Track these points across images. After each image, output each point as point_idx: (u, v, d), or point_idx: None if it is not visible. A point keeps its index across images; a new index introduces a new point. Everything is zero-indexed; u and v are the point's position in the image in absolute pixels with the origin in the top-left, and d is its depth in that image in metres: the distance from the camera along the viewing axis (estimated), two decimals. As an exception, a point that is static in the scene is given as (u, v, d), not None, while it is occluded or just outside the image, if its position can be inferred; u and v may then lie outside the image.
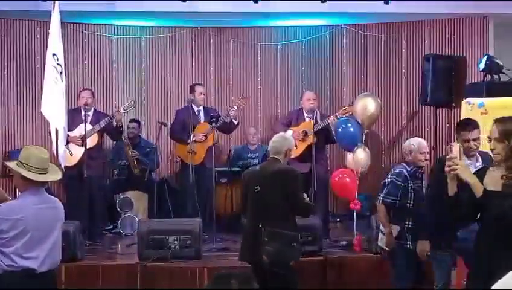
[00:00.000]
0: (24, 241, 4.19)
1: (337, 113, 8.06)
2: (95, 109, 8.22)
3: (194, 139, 8.16)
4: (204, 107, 8.51)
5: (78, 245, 6.52)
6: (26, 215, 4.20)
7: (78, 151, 7.71)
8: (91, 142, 7.72)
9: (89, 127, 7.77)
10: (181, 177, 8.67)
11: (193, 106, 8.42)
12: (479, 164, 4.92)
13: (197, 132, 8.23)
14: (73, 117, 7.80)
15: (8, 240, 4.18)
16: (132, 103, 8.25)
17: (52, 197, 4.55)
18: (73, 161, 7.71)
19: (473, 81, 8.48)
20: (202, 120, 8.35)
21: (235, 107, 8.28)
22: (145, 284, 6.29)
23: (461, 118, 6.96)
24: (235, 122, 8.40)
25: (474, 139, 5.08)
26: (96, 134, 7.84)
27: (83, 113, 7.93)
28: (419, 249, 5.19)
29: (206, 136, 8.15)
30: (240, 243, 5.48)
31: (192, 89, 8.53)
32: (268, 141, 9.67)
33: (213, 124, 7.98)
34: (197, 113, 8.42)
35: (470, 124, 5.16)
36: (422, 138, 9.05)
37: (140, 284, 6.28)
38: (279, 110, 9.98)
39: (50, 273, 4.32)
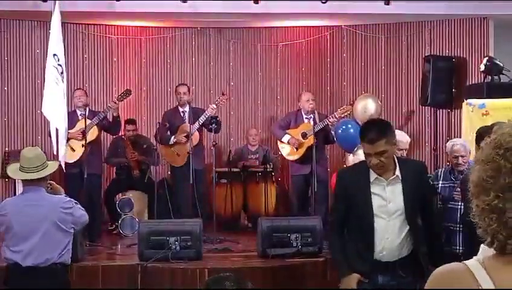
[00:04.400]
0: (10, 236, 4.61)
1: (335, 113, 8.06)
2: (89, 109, 8.26)
3: (175, 141, 8.19)
4: (191, 108, 8.41)
5: (78, 245, 6.50)
6: (10, 211, 4.63)
7: (79, 147, 7.74)
8: (91, 136, 7.74)
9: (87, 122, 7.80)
10: (174, 180, 8.68)
11: (179, 107, 8.44)
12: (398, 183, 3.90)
13: (179, 133, 8.23)
14: (71, 119, 7.82)
15: (2, 234, 4.71)
16: (126, 91, 8.24)
17: (53, 196, 4.75)
18: (75, 157, 7.73)
19: (473, 82, 8.49)
20: (187, 121, 8.30)
21: (214, 106, 8.19)
22: (146, 284, 6.28)
23: (462, 120, 6.95)
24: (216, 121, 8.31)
25: (380, 153, 3.77)
26: (95, 128, 7.86)
27: (78, 113, 8.00)
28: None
29: (187, 136, 8.11)
30: None
31: (175, 91, 8.57)
32: (268, 142, 9.85)
33: (214, 125, 7.90)
34: (182, 114, 8.39)
35: (371, 130, 3.85)
36: (422, 139, 9.07)
37: (140, 285, 6.26)
38: (278, 111, 9.98)
39: (40, 269, 4.55)
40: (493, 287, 1.44)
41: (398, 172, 3.89)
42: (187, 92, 8.47)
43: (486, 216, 1.47)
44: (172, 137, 8.26)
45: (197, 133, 8.15)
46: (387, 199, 3.89)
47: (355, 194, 3.94)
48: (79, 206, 4.86)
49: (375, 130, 3.82)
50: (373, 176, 3.89)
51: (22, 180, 4.78)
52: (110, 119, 8.12)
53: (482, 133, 4.55)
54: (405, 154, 5.89)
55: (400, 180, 3.90)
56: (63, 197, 4.82)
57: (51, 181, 4.91)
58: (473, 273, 1.52)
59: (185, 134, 8.13)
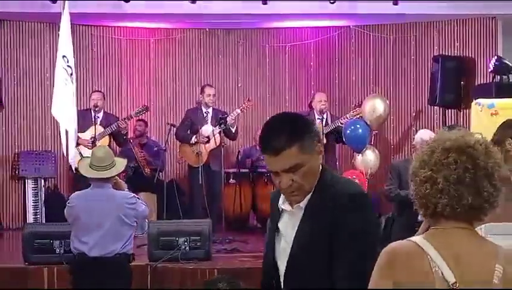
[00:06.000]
0: (78, 227, 4.99)
1: (347, 115, 8.10)
2: (104, 111, 8.30)
3: (195, 141, 8.20)
4: (213, 109, 8.49)
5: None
6: (78, 204, 5.03)
7: (88, 152, 7.76)
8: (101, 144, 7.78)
9: (99, 129, 7.85)
10: (189, 179, 8.71)
11: (202, 107, 8.44)
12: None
13: (201, 133, 8.25)
14: (84, 118, 7.87)
15: (70, 225, 5.11)
16: (144, 107, 8.34)
17: (118, 192, 5.09)
18: None
19: (481, 82, 8.48)
20: (209, 122, 8.34)
21: (239, 110, 8.24)
22: (155, 285, 6.30)
23: (471, 120, 6.93)
24: (233, 130, 8.31)
25: (291, 169, 2.30)
26: (107, 138, 7.99)
27: (92, 114, 8.03)
28: None
29: (208, 137, 8.13)
30: None
31: (201, 90, 8.55)
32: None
33: (222, 126, 7.94)
34: (205, 114, 8.40)
35: (273, 134, 2.32)
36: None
37: (150, 285, 6.29)
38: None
39: (105, 259, 4.91)
40: (444, 262, 1.85)
41: (305, 200, 2.39)
42: (215, 93, 8.54)
43: (423, 186, 1.94)
44: (194, 136, 8.25)
45: (218, 136, 8.16)
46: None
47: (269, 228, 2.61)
48: (141, 201, 5.18)
49: (281, 132, 2.30)
50: (284, 204, 2.50)
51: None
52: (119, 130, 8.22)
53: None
54: None
55: (302, 213, 2.40)
56: (127, 193, 5.11)
57: (116, 176, 5.18)
58: (422, 248, 1.88)
59: (207, 135, 8.16)
